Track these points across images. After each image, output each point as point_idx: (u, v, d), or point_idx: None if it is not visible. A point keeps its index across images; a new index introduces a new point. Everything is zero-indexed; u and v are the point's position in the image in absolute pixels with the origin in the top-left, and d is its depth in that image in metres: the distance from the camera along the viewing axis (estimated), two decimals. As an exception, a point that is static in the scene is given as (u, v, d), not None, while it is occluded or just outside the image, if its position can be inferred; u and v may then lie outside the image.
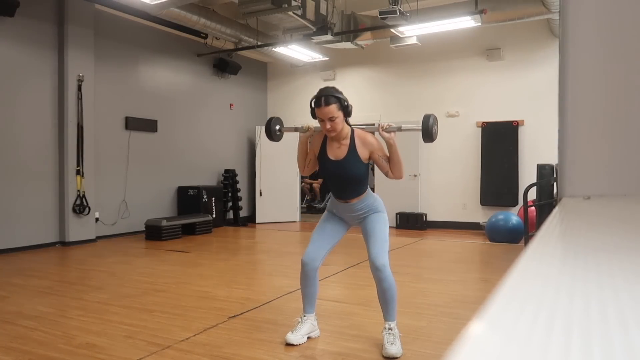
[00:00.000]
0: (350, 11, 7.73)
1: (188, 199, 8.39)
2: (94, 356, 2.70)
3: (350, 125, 2.80)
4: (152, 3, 6.09)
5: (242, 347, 2.82)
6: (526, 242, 5.53)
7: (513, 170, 8.14)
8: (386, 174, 2.80)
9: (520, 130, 8.14)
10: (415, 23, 6.71)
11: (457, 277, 4.71)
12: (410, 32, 7.31)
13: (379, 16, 6.29)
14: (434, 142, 2.83)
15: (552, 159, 4.16)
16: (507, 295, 0.37)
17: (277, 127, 3.07)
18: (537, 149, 7.79)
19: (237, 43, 8.25)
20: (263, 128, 10.48)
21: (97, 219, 7.07)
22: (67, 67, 6.60)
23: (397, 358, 2.67)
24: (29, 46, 6.32)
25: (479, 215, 8.40)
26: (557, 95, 1.24)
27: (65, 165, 6.63)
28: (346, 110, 2.69)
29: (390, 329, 2.77)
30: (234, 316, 3.41)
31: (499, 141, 8.25)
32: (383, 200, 3.03)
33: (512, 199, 8.09)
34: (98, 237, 7.05)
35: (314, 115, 2.72)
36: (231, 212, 9.29)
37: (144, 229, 7.29)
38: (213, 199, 8.68)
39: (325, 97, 2.63)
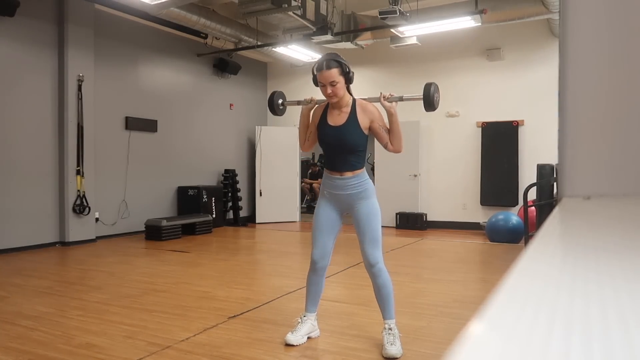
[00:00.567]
0: (350, 11, 7.73)
1: (188, 199, 8.39)
2: (94, 356, 2.70)
3: (352, 95, 2.80)
4: (152, 3, 6.09)
5: (242, 347, 2.82)
6: (526, 242, 5.53)
7: (513, 170, 8.14)
8: (385, 146, 2.76)
9: (520, 130, 8.14)
10: (415, 23, 6.71)
11: (457, 277, 4.71)
12: (410, 32, 7.31)
13: (379, 16, 6.29)
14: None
15: (552, 159, 4.16)
16: (507, 295, 0.37)
17: (280, 101, 3.06)
18: (537, 149, 7.79)
19: (237, 43, 8.25)
20: (263, 128, 10.42)
21: (97, 219, 7.07)
22: (67, 67, 6.60)
23: (397, 358, 2.67)
24: (29, 46, 6.32)
25: (479, 215, 8.40)
26: (557, 95, 1.24)
27: (65, 165, 6.63)
28: (347, 77, 2.69)
29: (390, 329, 2.76)
30: (234, 316, 3.41)
31: (499, 141, 8.25)
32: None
33: (512, 199, 8.09)
34: (98, 237, 7.05)
35: (315, 82, 2.72)
36: (231, 212, 9.29)
37: (144, 229, 7.29)
38: (213, 199, 8.69)
39: (327, 61, 2.64)
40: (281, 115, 3.16)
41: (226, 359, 2.65)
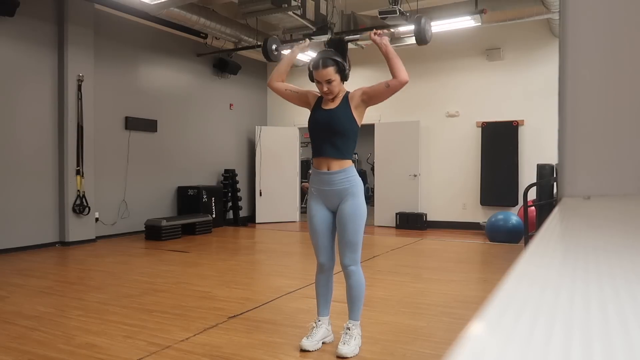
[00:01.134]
0: (350, 11, 7.72)
1: (188, 199, 8.39)
2: (94, 356, 2.70)
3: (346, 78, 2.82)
4: (152, 3, 6.09)
5: (242, 347, 2.82)
6: (526, 242, 5.53)
7: (513, 170, 8.14)
8: (387, 86, 2.70)
9: (520, 130, 8.14)
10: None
11: (457, 277, 4.71)
12: (411, 32, 7.30)
13: (379, 16, 6.29)
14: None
15: (552, 159, 4.16)
16: (507, 295, 0.37)
17: (274, 46, 3.04)
18: (537, 149, 7.79)
19: (237, 43, 8.25)
20: (263, 128, 10.38)
21: (97, 219, 7.07)
22: (67, 67, 6.60)
23: (348, 358, 2.64)
24: (29, 46, 6.32)
25: (479, 215, 8.40)
26: (557, 95, 1.24)
27: (65, 165, 6.63)
28: (343, 74, 2.73)
29: (348, 328, 2.74)
30: (234, 316, 3.41)
31: (499, 141, 8.25)
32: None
33: (512, 199, 8.09)
34: (98, 237, 7.05)
35: (312, 78, 2.75)
36: (231, 212, 9.29)
37: (144, 229, 7.29)
38: (213, 199, 8.69)
39: (323, 60, 2.66)
40: (275, 60, 3.11)
41: (226, 359, 2.65)
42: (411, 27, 2.64)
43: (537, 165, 5.45)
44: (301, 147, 10.18)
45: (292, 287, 4.24)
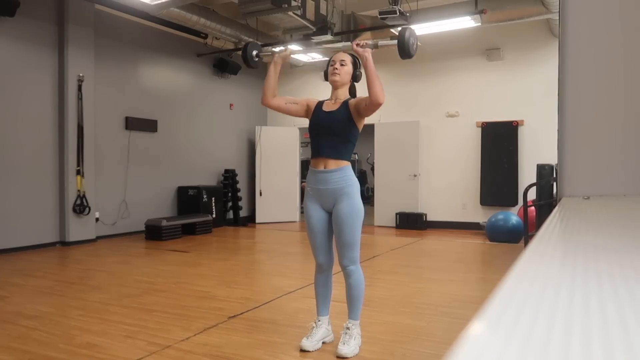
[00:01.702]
0: (350, 11, 7.73)
1: (188, 199, 8.39)
2: (94, 356, 2.70)
3: (354, 96, 2.85)
4: (152, 3, 6.09)
5: (242, 347, 2.82)
6: (526, 242, 5.53)
7: (513, 170, 8.14)
8: (365, 104, 2.66)
9: (520, 130, 8.14)
10: (415, 23, 6.71)
11: (457, 277, 4.71)
12: (410, 32, 7.30)
13: (379, 16, 6.29)
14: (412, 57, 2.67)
15: (552, 159, 4.16)
16: (507, 294, 0.38)
17: (255, 52, 2.94)
18: (537, 149, 7.79)
19: (237, 43, 8.25)
20: (263, 128, 10.37)
21: (97, 219, 7.08)
22: (67, 67, 6.60)
23: (348, 358, 2.65)
24: (29, 46, 6.32)
25: (479, 215, 8.40)
26: (557, 95, 1.24)
27: (65, 165, 6.63)
28: (356, 70, 2.82)
29: (348, 328, 2.74)
30: (234, 316, 3.41)
31: (499, 141, 8.25)
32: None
33: (512, 199, 8.09)
34: (98, 237, 7.05)
35: (326, 76, 2.82)
36: (231, 212, 9.29)
37: (144, 229, 7.29)
38: (213, 199, 8.69)
39: (346, 50, 2.86)
40: (256, 67, 3.02)
41: (226, 359, 2.66)
42: (394, 41, 2.55)
43: (537, 165, 5.45)
44: (301, 147, 10.18)
45: (292, 287, 4.24)
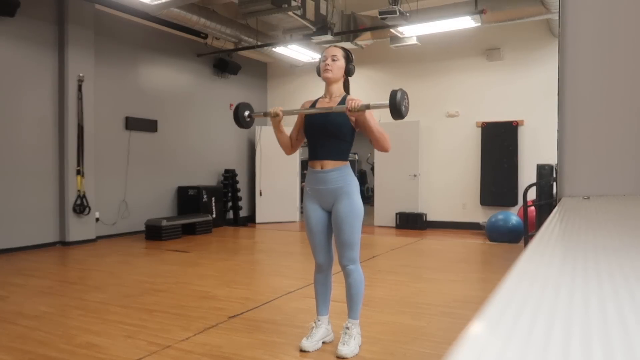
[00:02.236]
0: (350, 11, 7.73)
1: (188, 199, 8.39)
2: (94, 356, 2.70)
3: (348, 92, 2.81)
4: (152, 3, 6.09)
5: (242, 347, 2.82)
6: (526, 242, 5.53)
7: (513, 170, 8.14)
8: (370, 142, 2.71)
9: (520, 130, 8.14)
10: (415, 23, 6.72)
11: (457, 277, 4.71)
12: (410, 32, 7.31)
13: (379, 16, 6.30)
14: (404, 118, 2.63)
15: (552, 159, 4.17)
16: (507, 294, 0.38)
17: (247, 113, 2.93)
18: (537, 149, 7.79)
19: (237, 43, 8.25)
20: (263, 128, 10.38)
21: (97, 219, 7.08)
22: (67, 67, 6.60)
23: (348, 358, 2.65)
24: (29, 46, 6.32)
25: (479, 215, 8.40)
26: (557, 95, 1.24)
27: (65, 165, 6.63)
28: (348, 64, 2.76)
29: (348, 328, 2.74)
30: (234, 316, 3.41)
31: (499, 141, 8.25)
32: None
33: (512, 199, 8.09)
34: (98, 237, 7.05)
35: (319, 71, 2.77)
36: (231, 212, 9.29)
37: (144, 229, 7.29)
38: (213, 199, 8.69)
39: (335, 44, 2.84)
40: (248, 127, 2.98)
41: (226, 359, 2.66)
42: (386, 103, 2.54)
43: (537, 165, 5.45)
44: (301, 147, 10.17)
45: (292, 287, 4.24)
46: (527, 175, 7.73)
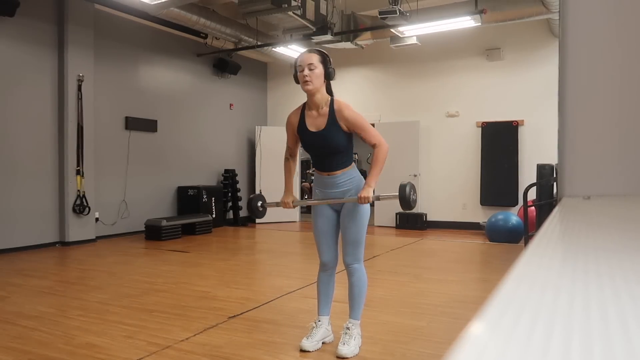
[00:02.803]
0: (350, 11, 7.73)
1: (188, 199, 8.39)
2: (94, 356, 2.70)
3: (332, 94, 2.71)
4: (152, 3, 6.09)
5: (242, 347, 2.82)
6: (526, 242, 5.53)
7: (513, 170, 8.14)
8: (370, 144, 2.71)
9: (520, 130, 8.14)
10: (415, 23, 6.72)
11: (457, 277, 4.71)
12: (410, 32, 7.31)
13: (379, 16, 6.30)
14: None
15: (552, 159, 4.16)
16: (507, 295, 0.37)
17: (260, 203, 2.98)
18: (537, 149, 7.79)
19: (237, 43, 8.25)
20: (263, 128, 10.38)
21: (97, 219, 7.07)
22: (67, 67, 6.60)
23: (348, 359, 2.64)
24: (29, 46, 6.32)
25: (479, 215, 8.40)
26: (557, 95, 1.24)
27: (65, 165, 6.63)
28: (327, 68, 2.62)
29: (348, 328, 2.74)
30: (234, 316, 3.41)
31: (499, 141, 8.25)
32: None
33: (512, 199, 8.09)
34: (98, 237, 7.05)
35: (296, 79, 2.65)
36: (231, 212, 9.29)
37: (144, 229, 7.29)
38: (213, 199, 8.69)
39: (309, 49, 2.66)
40: (261, 217, 3.00)
41: (226, 359, 2.65)
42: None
43: (537, 165, 5.45)
44: (301, 147, 10.17)
45: (292, 287, 4.24)
46: (527, 175, 7.73)
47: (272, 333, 3.07)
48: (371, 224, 8.91)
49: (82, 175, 6.75)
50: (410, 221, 8.62)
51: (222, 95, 9.46)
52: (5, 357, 2.70)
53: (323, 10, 7.01)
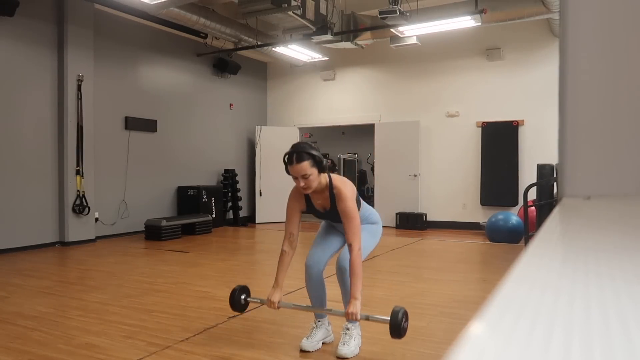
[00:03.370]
0: (350, 11, 7.73)
1: (188, 199, 8.39)
2: (94, 356, 2.70)
3: (328, 173, 2.67)
4: (152, 3, 6.09)
5: (242, 347, 2.82)
6: (526, 242, 5.53)
7: (513, 170, 8.14)
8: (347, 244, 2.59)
9: (520, 130, 8.14)
10: (415, 23, 6.71)
11: (457, 277, 4.70)
12: (410, 32, 7.31)
13: (379, 16, 6.29)
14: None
15: (552, 159, 4.16)
16: (507, 295, 0.37)
17: (243, 296, 2.91)
18: (537, 149, 7.79)
19: (237, 43, 8.25)
20: (263, 128, 10.37)
21: (96, 219, 7.07)
22: (67, 67, 6.60)
23: (348, 359, 2.64)
24: (28, 46, 6.32)
25: (479, 215, 8.40)
26: (557, 95, 1.24)
27: (65, 165, 6.63)
28: (320, 166, 2.56)
29: (348, 328, 2.73)
30: (234, 316, 3.41)
31: (499, 141, 8.25)
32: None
33: (512, 199, 8.09)
34: (98, 237, 7.05)
35: (288, 172, 2.58)
36: (231, 212, 9.29)
37: (144, 229, 7.29)
38: (213, 199, 8.68)
39: (297, 154, 2.50)
40: (242, 311, 2.91)
41: (226, 359, 2.65)
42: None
43: (537, 165, 5.45)
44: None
45: (292, 287, 4.24)
46: (527, 175, 7.73)
47: (272, 333, 3.07)
48: (371, 224, 8.93)
49: (82, 175, 6.75)
50: (411, 221, 8.62)
51: (222, 95, 9.46)
52: (5, 357, 2.70)
53: (323, 10, 7.01)
